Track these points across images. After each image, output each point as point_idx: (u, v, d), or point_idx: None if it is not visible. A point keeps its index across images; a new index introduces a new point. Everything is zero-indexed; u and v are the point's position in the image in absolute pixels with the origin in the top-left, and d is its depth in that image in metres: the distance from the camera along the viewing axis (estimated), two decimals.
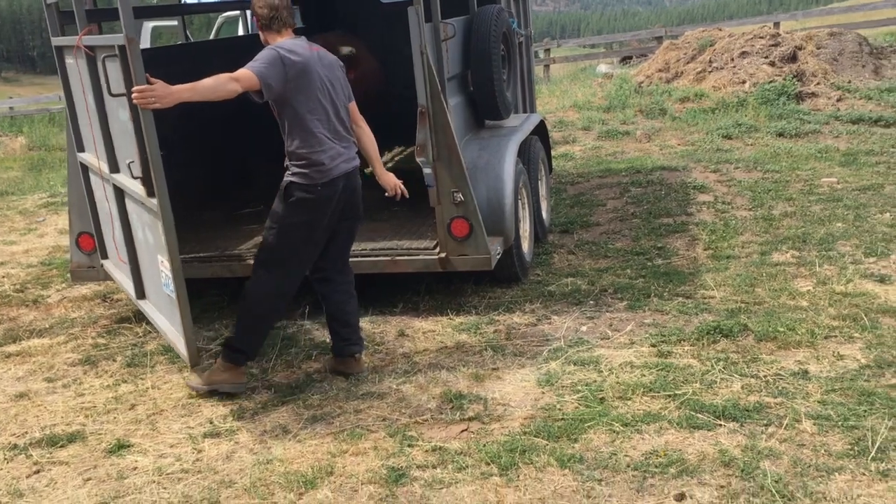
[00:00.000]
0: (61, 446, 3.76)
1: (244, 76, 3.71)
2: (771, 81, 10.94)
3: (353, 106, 4.14)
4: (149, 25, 11.07)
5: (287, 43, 3.87)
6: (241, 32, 10.86)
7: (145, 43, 11.16)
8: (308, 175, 3.90)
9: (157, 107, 3.64)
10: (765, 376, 3.80)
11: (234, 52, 7.71)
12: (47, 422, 4.02)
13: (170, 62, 6.25)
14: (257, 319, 4.10)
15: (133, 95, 3.62)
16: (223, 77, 3.69)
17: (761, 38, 12.09)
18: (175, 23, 11.79)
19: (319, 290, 4.28)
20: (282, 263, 4.02)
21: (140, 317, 5.44)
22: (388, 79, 7.38)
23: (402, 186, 4.24)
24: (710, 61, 12.04)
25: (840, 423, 3.31)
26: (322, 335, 4.80)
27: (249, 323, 4.10)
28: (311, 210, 3.95)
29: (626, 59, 19.30)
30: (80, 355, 4.84)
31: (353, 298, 4.31)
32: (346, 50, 5.20)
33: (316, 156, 3.89)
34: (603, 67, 18.02)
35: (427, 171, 4.69)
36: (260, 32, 4.03)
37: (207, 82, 3.68)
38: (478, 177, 5.06)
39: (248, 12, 10.53)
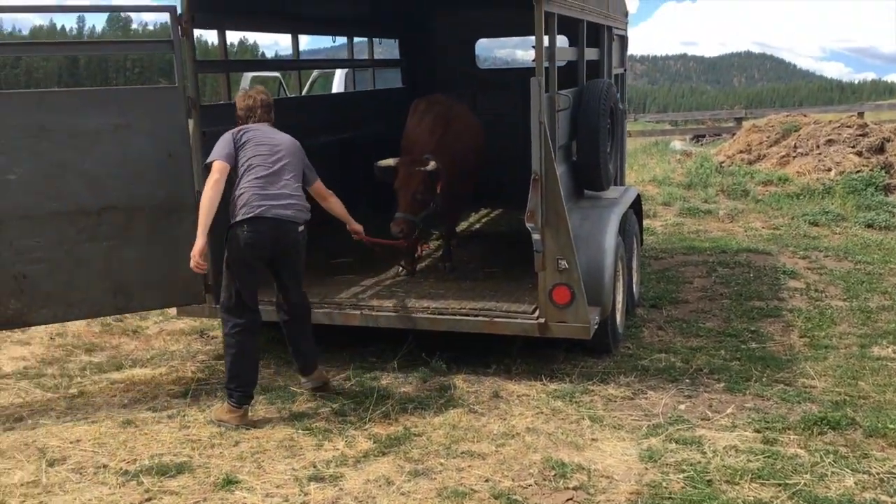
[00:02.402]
0: (171, 476, 3.85)
1: (214, 168, 4.42)
2: (858, 171, 10.86)
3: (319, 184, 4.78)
4: (248, 76, 11.54)
5: (245, 126, 4.59)
6: (335, 89, 11.24)
7: None
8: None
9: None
10: (878, 473, 3.72)
11: (336, 107, 8.01)
12: (155, 451, 4.13)
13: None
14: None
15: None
16: (209, 187, 4.37)
17: (848, 126, 12.06)
18: (276, 74, 12.28)
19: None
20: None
21: None
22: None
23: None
24: (795, 146, 12.02)
25: None
26: (417, 389, 4.86)
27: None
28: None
29: (698, 138, 19.36)
30: (182, 388, 4.97)
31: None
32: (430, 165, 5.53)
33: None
34: (677, 144, 18.07)
35: (536, 236, 4.77)
36: None
37: (209, 202, 4.34)
38: (579, 246, 5.10)
39: (345, 70, 10.90)
